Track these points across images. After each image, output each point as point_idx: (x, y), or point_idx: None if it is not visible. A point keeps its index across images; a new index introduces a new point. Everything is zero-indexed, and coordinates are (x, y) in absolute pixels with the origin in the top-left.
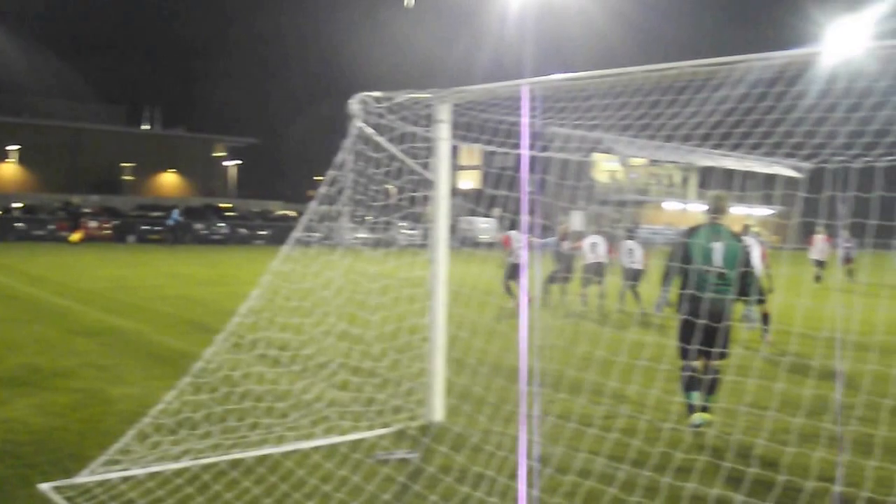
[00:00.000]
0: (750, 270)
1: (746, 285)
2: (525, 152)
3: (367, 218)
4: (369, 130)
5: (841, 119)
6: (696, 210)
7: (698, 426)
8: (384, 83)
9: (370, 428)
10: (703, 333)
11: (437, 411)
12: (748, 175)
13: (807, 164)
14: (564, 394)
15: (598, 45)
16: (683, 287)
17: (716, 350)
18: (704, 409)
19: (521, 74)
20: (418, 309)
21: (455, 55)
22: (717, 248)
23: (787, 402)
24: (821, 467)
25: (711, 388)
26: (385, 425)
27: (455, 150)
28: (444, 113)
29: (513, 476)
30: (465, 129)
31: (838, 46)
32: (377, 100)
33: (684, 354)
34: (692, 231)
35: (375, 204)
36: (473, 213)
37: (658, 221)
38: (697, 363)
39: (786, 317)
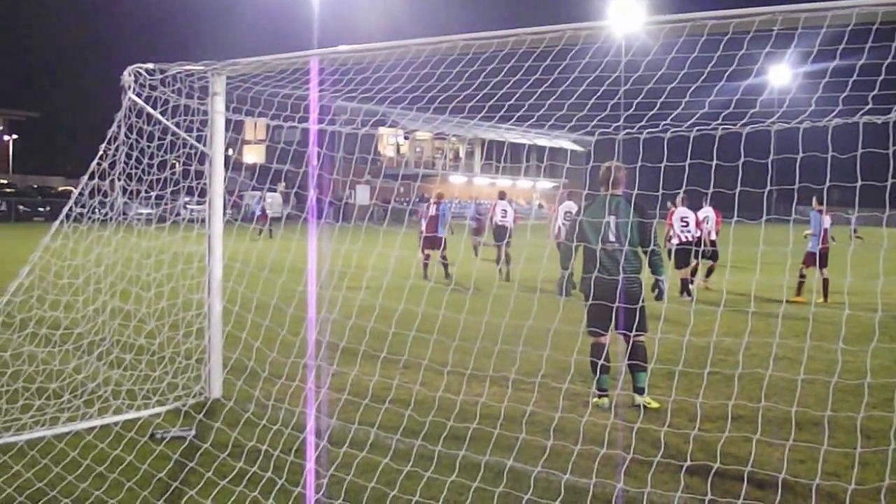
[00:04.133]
0: (656, 245)
1: (652, 257)
2: (313, 126)
3: (144, 193)
4: (142, 103)
5: (624, 92)
6: (481, 183)
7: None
8: (167, 53)
9: (145, 406)
10: (602, 311)
11: (215, 387)
12: (532, 148)
13: (590, 138)
14: (354, 368)
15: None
16: (585, 265)
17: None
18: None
19: (303, 48)
20: (194, 284)
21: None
22: (612, 223)
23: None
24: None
25: (636, 368)
26: (160, 403)
27: (240, 125)
28: (218, 85)
29: (288, 451)
30: (247, 104)
31: (620, 21)
32: (150, 72)
33: (591, 333)
34: (587, 206)
35: (150, 178)
36: (259, 188)
37: (447, 195)
38: (602, 342)
39: None
